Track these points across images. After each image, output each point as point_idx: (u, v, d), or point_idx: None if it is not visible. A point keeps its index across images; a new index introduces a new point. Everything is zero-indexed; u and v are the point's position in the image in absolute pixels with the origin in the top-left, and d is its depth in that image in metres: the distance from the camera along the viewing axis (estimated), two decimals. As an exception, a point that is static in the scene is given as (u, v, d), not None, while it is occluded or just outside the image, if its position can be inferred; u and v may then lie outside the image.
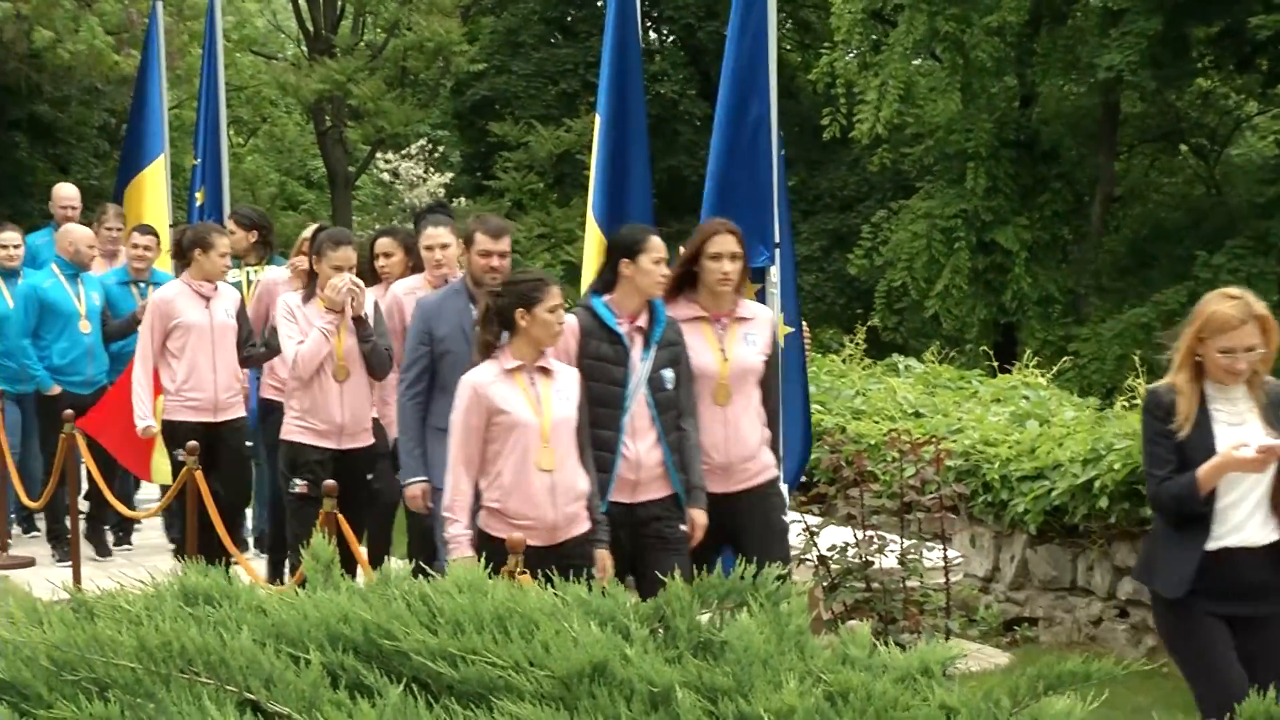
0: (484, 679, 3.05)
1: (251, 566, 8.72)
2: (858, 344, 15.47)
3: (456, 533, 6.28)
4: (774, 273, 7.96)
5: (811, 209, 33.21)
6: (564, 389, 6.36)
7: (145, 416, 9.31)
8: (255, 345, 9.44)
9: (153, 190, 13.75)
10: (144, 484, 11.57)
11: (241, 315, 9.43)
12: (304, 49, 35.07)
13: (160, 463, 9.86)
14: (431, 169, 33.31)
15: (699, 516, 6.75)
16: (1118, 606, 8.97)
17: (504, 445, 6.23)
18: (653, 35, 35.08)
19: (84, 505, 11.01)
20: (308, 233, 9.30)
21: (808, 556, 8.27)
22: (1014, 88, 29.41)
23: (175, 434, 9.19)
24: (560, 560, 5.92)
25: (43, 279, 10.88)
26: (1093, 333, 26.00)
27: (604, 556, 6.41)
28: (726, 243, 6.83)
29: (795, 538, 7.84)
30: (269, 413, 9.48)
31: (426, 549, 7.39)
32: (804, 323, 8.70)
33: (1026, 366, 13.76)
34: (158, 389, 9.46)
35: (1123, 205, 30.16)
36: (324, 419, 8.14)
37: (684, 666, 3.13)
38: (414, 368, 7.32)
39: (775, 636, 3.27)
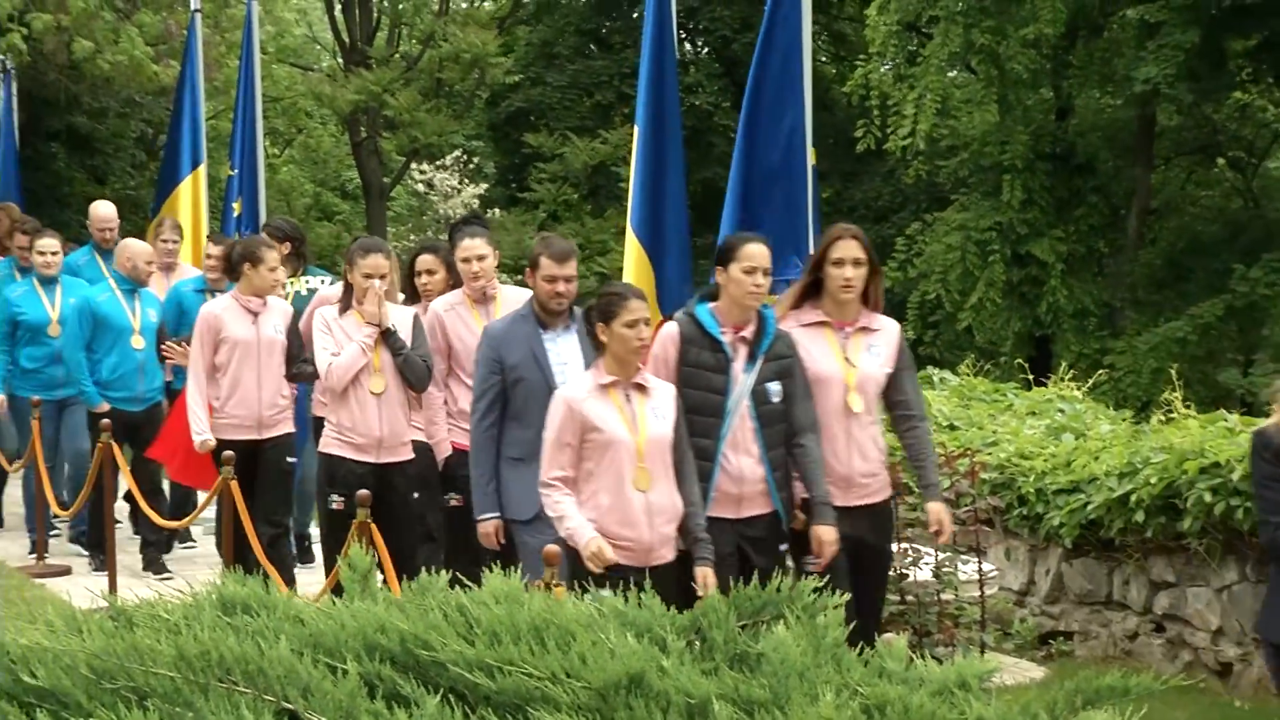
0: (521, 690, 3.05)
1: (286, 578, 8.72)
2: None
3: (576, 525, 6.11)
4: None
5: (846, 221, 33.14)
6: (660, 406, 6.23)
7: (203, 430, 9.11)
8: (307, 361, 9.17)
9: (191, 201, 13.85)
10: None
11: (293, 331, 9.18)
12: (340, 60, 35.21)
13: None
14: (466, 180, 33.39)
15: (825, 532, 6.49)
16: (1154, 621, 8.92)
17: (598, 464, 6.12)
18: (688, 47, 35.10)
19: (120, 512, 11.03)
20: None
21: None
22: (1050, 100, 29.32)
23: (218, 451, 9.00)
24: (650, 580, 5.81)
25: (98, 292, 10.75)
26: (1128, 346, 25.89)
27: (706, 574, 6.18)
28: (849, 248, 6.63)
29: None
30: (320, 430, 9.27)
31: (464, 561, 7.33)
32: None
33: (1062, 379, 13.71)
34: None
35: (1159, 218, 30.03)
36: (362, 432, 7.98)
37: (720, 679, 3.13)
38: (485, 397, 7.16)
39: (812, 649, 3.27)
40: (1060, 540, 9.32)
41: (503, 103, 34.48)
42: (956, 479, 8.53)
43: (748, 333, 6.53)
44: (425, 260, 8.65)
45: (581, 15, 36.44)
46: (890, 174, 32.31)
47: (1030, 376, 14.73)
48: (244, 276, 9.15)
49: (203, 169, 13.96)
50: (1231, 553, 8.32)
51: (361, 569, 3.72)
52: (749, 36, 32.16)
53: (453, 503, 8.07)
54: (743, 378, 6.48)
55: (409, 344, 7.97)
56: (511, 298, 8.06)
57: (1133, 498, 8.65)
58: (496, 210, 33.21)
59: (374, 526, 7.43)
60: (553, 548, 6.03)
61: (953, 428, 11.03)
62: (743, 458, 6.48)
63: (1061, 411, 11.38)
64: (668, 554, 6.19)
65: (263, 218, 13.59)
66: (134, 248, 10.89)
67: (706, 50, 35.77)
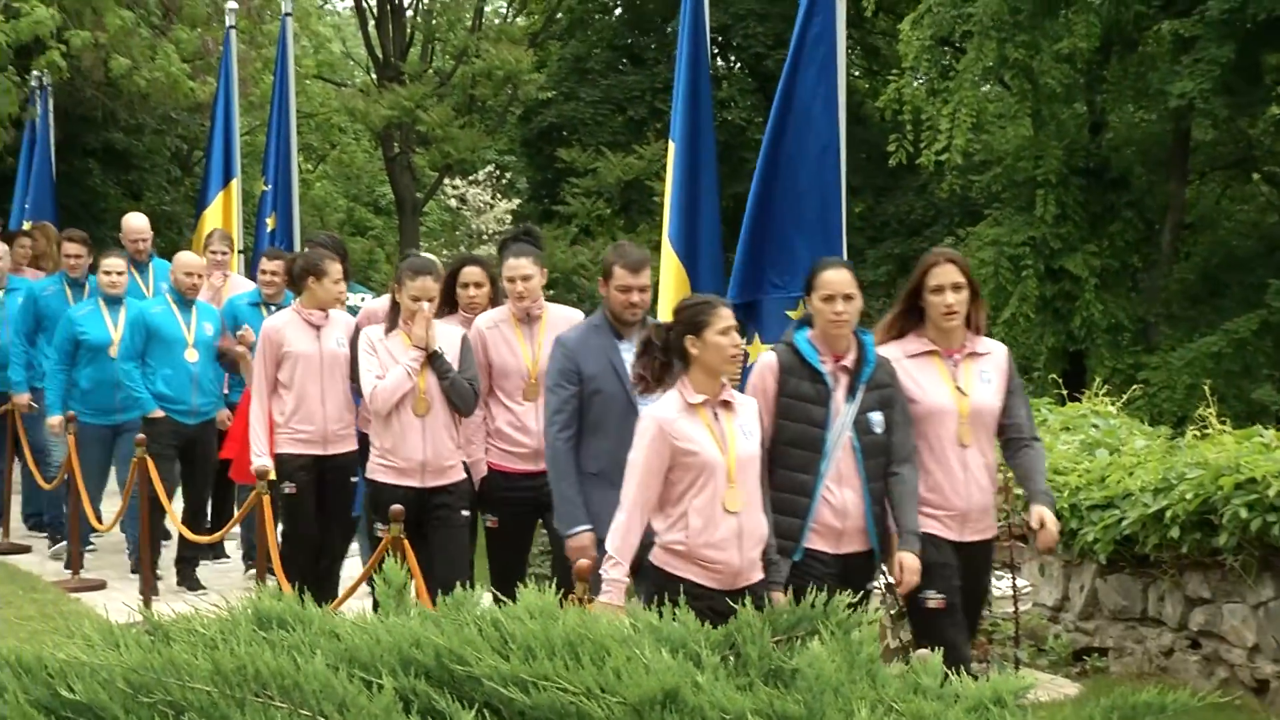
0: (555, 705, 3.06)
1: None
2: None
3: (617, 577, 5.87)
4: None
5: (879, 235, 33.13)
6: (747, 424, 6.02)
7: (261, 453, 9.00)
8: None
9: (226, 215, 13.92)
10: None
11: (354, 343, 8.97)
12: (373, 76, 35.35)
13: None
14: (499, 195, 33.47)
15: (907, 559, 6.27)
16: (1189, 637, 8.88)
17: (689, 485, 5.88)
18: (720, 62, 35.12)
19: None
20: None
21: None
22: (1083, 115, 29.24)
23: (283, 467, 8.94)
24: (737, 603, 5.65)
25: (152, 305, 10.72)
26: (1163, 361, 25.77)
27: (779, 599, 5.92)
28: (948, 273, 6.44)
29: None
30: (364, 447, 9.09)
31: (507, 581, 7.24)
32: None
33: (1096, 395, 13.65)
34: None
35: (1193, 233, 29.91)
36: (404, 456, 7.86)
37: (755, 694, 3.13)
38: (563, 411, 6.98)
39: (846, 665, 3.26)
40: (1095, 556, 9.28)
41: (536, 118, 34.53)
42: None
43: (848, 361, 6.33)
44: (472, 273, 8.53)
45: (614, 31, 36.48)
46: (923, 188, 32.25)
47: (1064, 392, 14.67)
48: (307, 290, 9.04)
49: (235, 183, 14.03)
50: (1267, 569, 8.28)
51: (396, 584, 3.73)
52: (782, 53, 31.96)
53: (489, 524, 8.00)
54: (845, 408, 6.28)
55: (456, 366, 7.85)
56: (558, 316, 7.98)
57: (1168, 514, 8.61)
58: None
59: (406, 541, 7.41)
60: (584, 562, 5.96)
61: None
62: (846, 491, 6.28)
63: (1096, 427, 11.33)
64: (754, 576, 5.99)
65: (297, 232, 13.69)
66: (178, 260, 10.88)
67: (739, 66, 35.78)
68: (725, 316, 5.92)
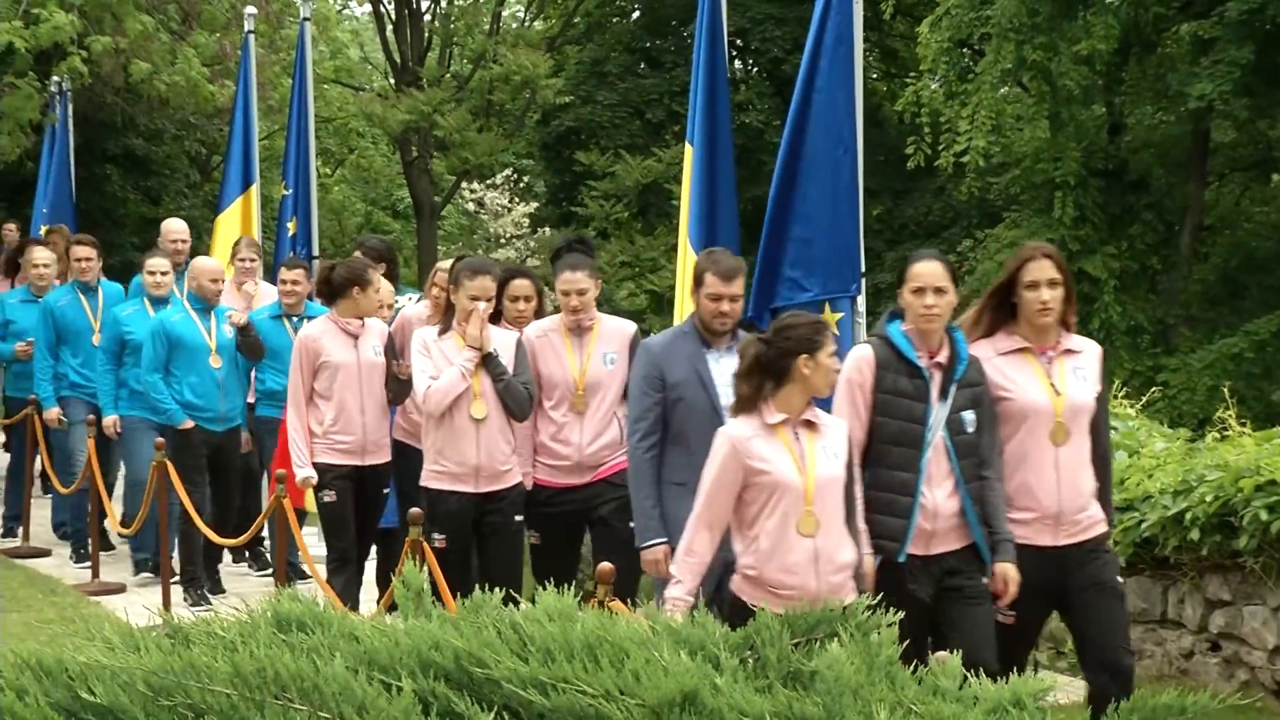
0: (574, 707, 3.06)
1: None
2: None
3: (678, 595, 5.68)
4: (860, 302, 7.94)
5: (897, 237, 33.12)
6: (831, 445, 5.77)
7: (304, 465, 8.78)
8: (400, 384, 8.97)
9: (244, 220, 13.94)
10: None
11: (389, 352, 8.95)
12: (391, 80, 35.44)
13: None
14: (516, 198, 33.53)
15: (1010, 570, 6.06)
16: (1209, 640, 8.85)
17: (762, 507, 5.67)
18: (738, 65, 35.13)
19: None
20: (445, 264, 8.89)
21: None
22: (1102, 116, 29.19)
23: (322, 477, 8.77)
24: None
25: (171, 313, 10.56)
26: (1182, 363, 25.71)
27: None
28: (1043, 268, 6.19)
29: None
30: (398, 455, 9.07)
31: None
32: None
33: (1115, 397, 13.61)
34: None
35: (1213, 234, 29.84)
36: (457, 460, 7.68)
37: (774, 696, 3.13)
38: (645, 419, 6.82)
39: (865, 667, 3.26)
40: (1115, 558, 9.25)
41: (553, 121, 34.57)
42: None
43: (942, 357, 6.13)
44: (521, 286, 8.33)
45: (632, 34, 36.52)
46: (940, 191, 32.23)
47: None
48: (349, 299, 8.83)
49: (254, 188, 14.06)
50: (1288, 571, 8.26)
51: (415, 587, 3.74)
52: (800, 56, 32.06)
53: (532, 540, 7.87)
54: (938, 406, 6.08)
55: (511, 369, 7.68)
56: (611, 328, 7.85)
57: (1188, 516, 8.58)
58: (547, 229, 33.35)
59: (426, 545, 7.38)
60: (606, 565, 5.81)
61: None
62: (937, 491, 6.06)
63: (1115, 429, 11.29)
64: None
65: (315, 237, 13.70)
66: (198, 266, 10.74)
67: (757, 69, 35.79)
68: (831, 340, 5.76)
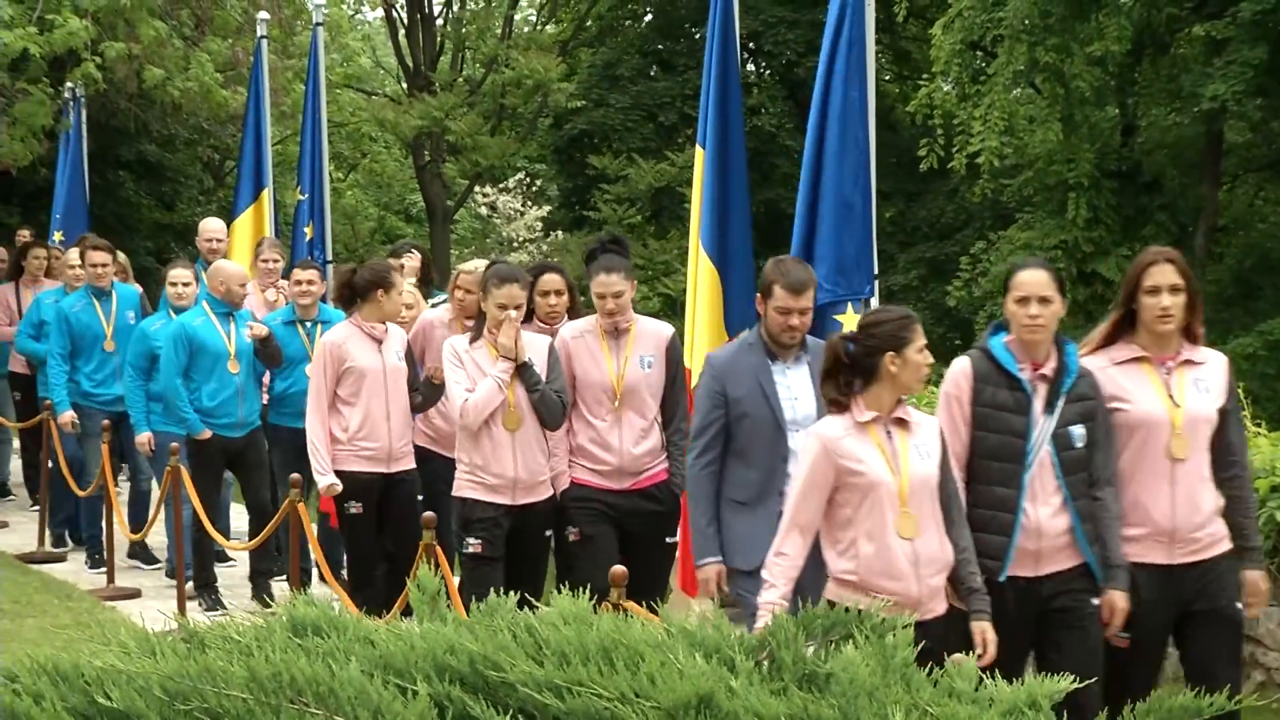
0: (590, 710, 3.06)
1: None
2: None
3: (771, 599, 5.47)
4: (873, 304, 7.93)
5: (910, 240, 33.11)
6: (924, 443, 5.59)
7: (325, 471, 8.66)
8: (417, 391, 8.84)
9: (256, 225, 13.96)
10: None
11: (410, 358, 8.88)
12: (404, 85, 35.48)
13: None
14: (529, 202, 33.53)
15: (1118, 599, 5.82)
16: (1226, 642, 8.83)
17: (857, 509, 5.48)
18: (750, 68, 35.13)
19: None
20: (467, 265, 8.83)
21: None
22: (1115, 117, 29.15)
23: (347, 485, 8.68)
24: (918, 637, 5.31)
25: (192, 317, 10.40)
26: (1197, 363, 25.63)
27: (984, 630, 5.60)
28: (1165, 273, 5.91)
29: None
30: (420, 462, 8.99)
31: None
32: None
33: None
34: None
35: (1227, 235, 29.78)
36: (495, 473, 7.53)
37: (789, 699, 3.12)
38: (706, 433, 6.58)
39: (881, 669, 3.26)
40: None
41: (566, 125, 34.59)
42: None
43: (1048, 369, 5.89)
44: (552, 280, 8.23)
45: (644, 37, 36.54)
46: (953, 193, 32.22)
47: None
48: (373, 302, 8.73)
49: (266, 193, 14.08)
50: (1304, 572, 8.23)
51: (430, 591, 3.74)
52: (813, 59, 31.94)
53: (572, 537, 7.67)
54: (1043, 420, 5.83)
55: (545, 377, 7.54)
56: (648, 330, 7.72)
57: (1203, 517, 8.56)
58: (560, 232, 33.35)
59: (439, 549, 7.35)
60: (619, 568, 5.80)
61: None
62: (1041, 509, 5.82)
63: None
64: (937, 608, 5.55)
65: (328, 241, 13.72)
66: (226, 270, 10.58)
67: (770, 72, 35.79)
68: (922, 333, 5.55)
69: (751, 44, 33.80)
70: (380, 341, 8.75)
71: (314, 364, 8.89)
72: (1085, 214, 27.02)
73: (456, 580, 7.65)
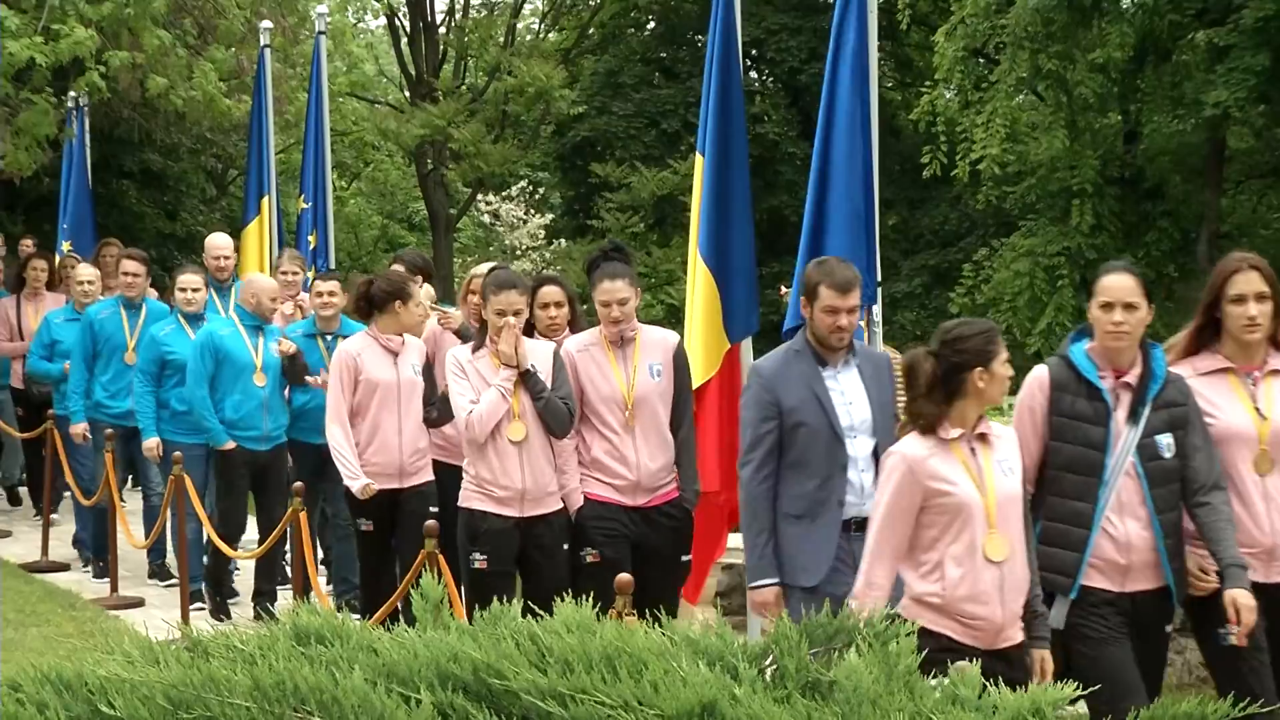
0: (593, 718, 3.06)
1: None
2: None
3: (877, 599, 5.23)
4: (876, 311, 7.91)
5: (913, 247, 33.12)
6: (1006, 458, 5.37)
7: (356, 475, 8.49)
8: (433, 405, 8.61)
9: (260, 232, 13.98)
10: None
11: (428, 371, 8.69)
12: (406, 93, 35.51)
13: None
14: (532, 210, 33.55)
15: (1243, 597, 5.51)
16: (1230, 649, 8.80)
17: (944, 530, 5.25)
18: (753, 75, 35.14)
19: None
20: (480, 269, 8.64)
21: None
22: (1118, 124, 29.16)
23: (355, 500, 8.56)
24: (998, 665, 4.86)
25: (220, 327, 10.34)
26: (1200, 370, 25.61)
27: (1044, 658, 5.44)
28: (1250, 281, 5.76)
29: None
30: (440, 475, 8.81)
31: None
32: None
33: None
34: None
35: (1230, 242, 29.72)
36: (503, 484, 7.35)
37: (793, 706, 3.12)
38: (760, 446, 6.37)
39: (884, 676, 3.25)
40: (1134, 567, 9.21)
41: (569, 133, 34.60)
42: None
43: (1131, 377, 5.69)
44: (551, 293, 8.02)
45: (647, 45, 36.54)
46: (956, 200, 32.23)
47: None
48: (390, 314, 8.62)
49: (266, 201, 14.08)
50: (1309, 579, 8.19)
51: (433, 599, 3.74)
52: (816, 66, 32.11)
53: (589, 559, 7.44)
54: (1126, 430, 5.63)
55: (550, 384, 7.37)
56: (653, 338, 7.58)
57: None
58: (563, 240, 33.36)
59: (442, 557, 7.29)
60: (625, 576, 5.69)
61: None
62: (1130, 522, 5.62)
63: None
64: (1016, 634, 5.34)
65: (332, 251, 13.72)
66: (259, 284, 10.50)
67: (773, 80, 35.80)
68: (1003, 344, 5.33)
69: (754, 51, 33.81)
70: (396, 354, 8.64)
71: (330, 375, 8.78)
72: (1089, 221, 27.03)
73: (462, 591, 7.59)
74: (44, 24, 15.04)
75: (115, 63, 15.80)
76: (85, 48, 14.99)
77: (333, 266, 13.49)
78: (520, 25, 36.44)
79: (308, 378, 10.05)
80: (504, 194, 34.28)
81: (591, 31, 36.96)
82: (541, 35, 37.11)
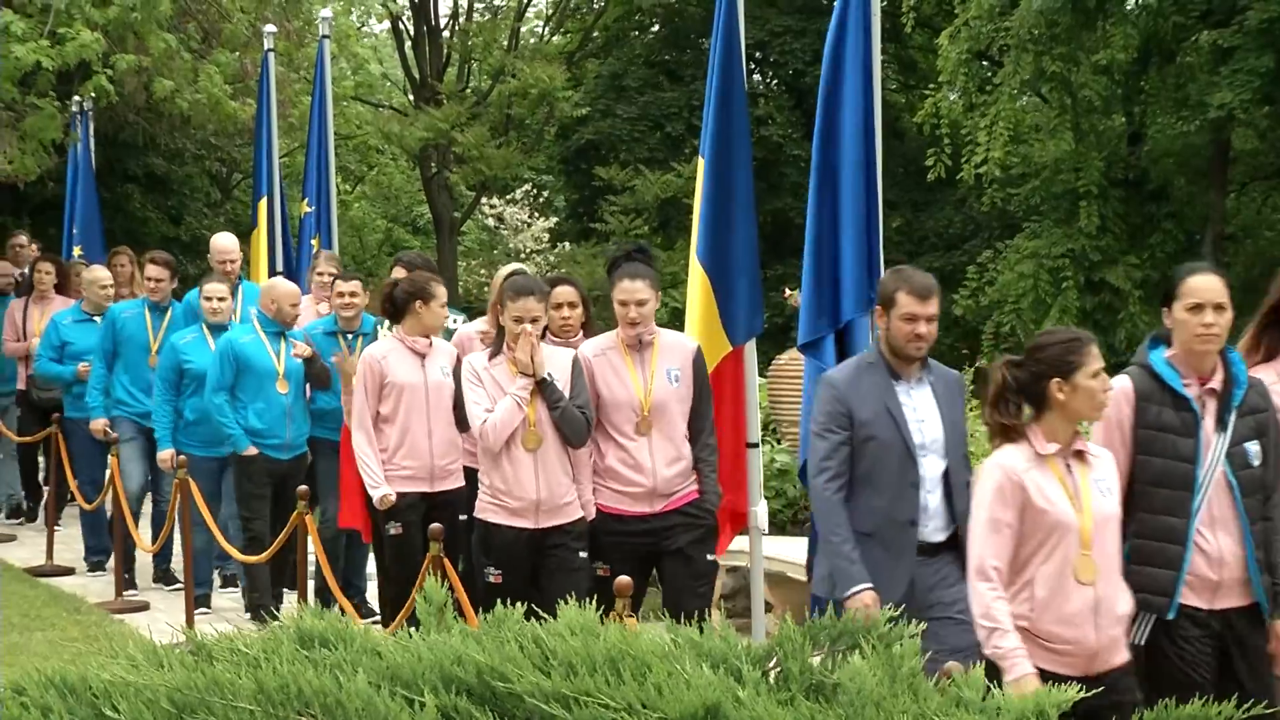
0: (597, 721, 3.06)
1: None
2: (965, 385, 15.28)
3: (1013, 646, 4.96)
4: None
5: (917, 250, 33.10)
6: (1104, 479, 5.19)
7: (379, 483, 8.36)
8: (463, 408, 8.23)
9: (259, 234, 13.98)
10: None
11: (458, 373, 8.28)
12: (410, 96, 35.52)
13: None
14: (536, 213, 33.55)
15: None
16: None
17: (1036, 549, 5.06)
18: (757, 78, 35.14)
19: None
20: (506, 269, 8.54)
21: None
22: (1122, 126, 29.17)
23: (389, 509, 8.40)
24: (1099, 695, 4.45)
25: (241, 334, 10.17)
26: (1205, 372, 25.59)
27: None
28: None
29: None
30: (471, 481, 8.42)
31: None
32: None
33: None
34: None
35: (1234, 243, 29.76)
36: (517, 495, 7.22)
37: (796, 708, 3.12)
38: (833, 458, 6.17)
39: (888, 679, 3.25)
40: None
41: (573, 135, 34.61)
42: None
43: (1215, 383, 5.53)
44: (565, 293, 7.95)
45: (650, 48, 36.55)
46: (961, 202, 32.23)
47: (1107, 404, 14.57)
48: (413, 315, 8.47)
49: (263, 204, 14.07)
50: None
51: (436, 602, 3.74)
52: (820, 69, 32.01)
53: (600, 572, 7.26)
54: (1215, 439, 5.44)
55: (568, 392, 7.22)
56: (671, 343, 7.45)
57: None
58: (567, 243, 33.36)
59: (447, 561, 7.29)
60: (624, 578, 5.63)
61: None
62: (1222, 536, 5.42)
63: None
64: (1115, 659, 5.15)
65: (336, 254, 13.72)
66: (279, 289, 10.31)
67: (776, 82, 35.80)
68: (1097, 356, 5.12)
69: (758, 54, 33.81)
70: (423, 356, 8.49)
71: (355, 380, 8.63)
72: (1094, 222, 27.03)
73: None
74: (50, 28, 15.04)
75: (122, 66, 15.81)
76: (91, 51, 15.00)
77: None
78: (524, 28, 36.44)
79: (333, 357, 9.84)
80: (508, 197, 34.28)
81: (595, 34, 36.97)
82: (545, 38, 37.10)
